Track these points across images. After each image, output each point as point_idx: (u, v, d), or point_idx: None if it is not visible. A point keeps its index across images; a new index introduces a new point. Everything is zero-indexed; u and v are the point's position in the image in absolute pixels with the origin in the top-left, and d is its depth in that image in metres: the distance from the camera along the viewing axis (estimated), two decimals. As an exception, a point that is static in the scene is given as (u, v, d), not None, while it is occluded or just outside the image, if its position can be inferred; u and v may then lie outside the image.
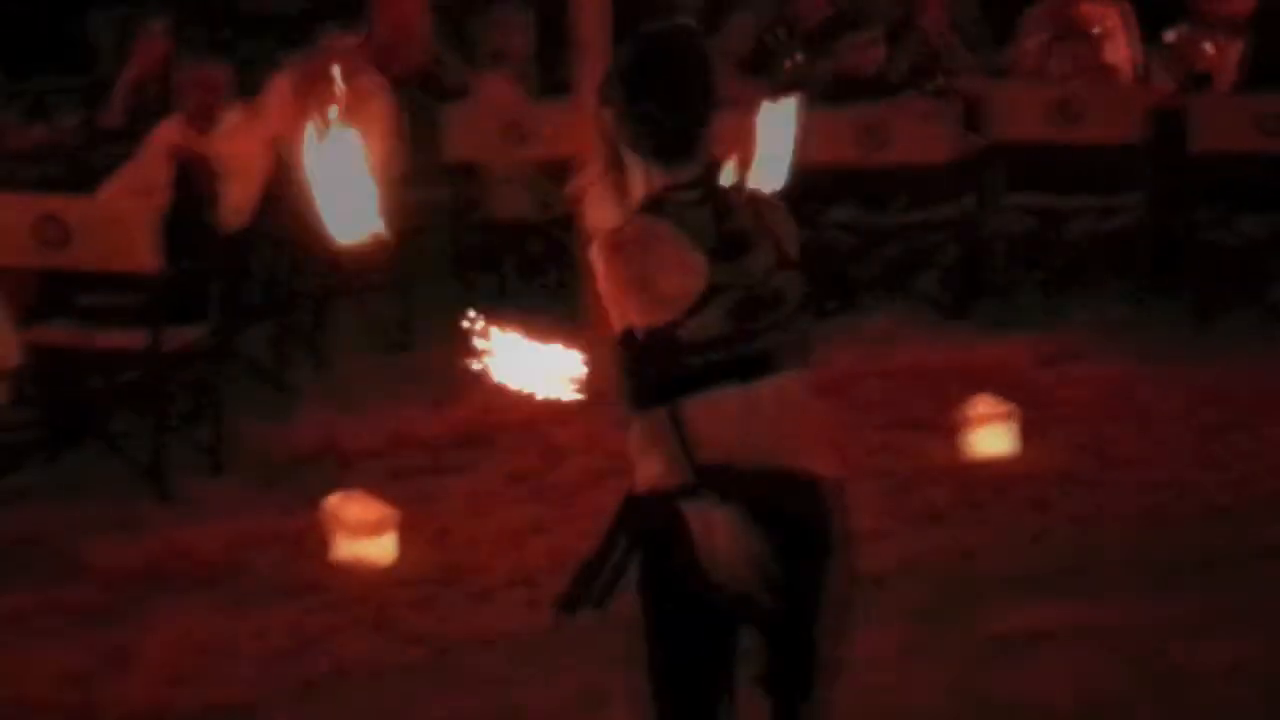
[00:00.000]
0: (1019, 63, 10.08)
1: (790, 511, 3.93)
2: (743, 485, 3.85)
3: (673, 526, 3.87)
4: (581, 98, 8.12)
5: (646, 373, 3.90)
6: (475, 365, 4.21)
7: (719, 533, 3.79)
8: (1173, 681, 5.70)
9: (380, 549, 6.68)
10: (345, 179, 4.27)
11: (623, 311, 3.86)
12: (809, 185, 8.18)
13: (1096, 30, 10.02)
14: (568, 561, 6.53)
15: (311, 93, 9.06)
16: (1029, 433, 7.59)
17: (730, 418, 3.86)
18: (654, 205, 3.89)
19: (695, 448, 3.84)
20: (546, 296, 9.66)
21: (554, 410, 7.94)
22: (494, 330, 4.21)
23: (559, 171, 8.92)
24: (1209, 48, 9.98)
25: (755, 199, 4.08)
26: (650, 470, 4.01)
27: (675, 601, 4.02)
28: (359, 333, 9.08)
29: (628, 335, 3.90)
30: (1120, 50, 10.09)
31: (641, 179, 3.94)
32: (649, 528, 4.03)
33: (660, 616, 4.12)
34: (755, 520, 3.82)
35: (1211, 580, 6.41)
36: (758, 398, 3.87)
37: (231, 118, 8.32)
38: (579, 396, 4.29)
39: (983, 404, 7.63)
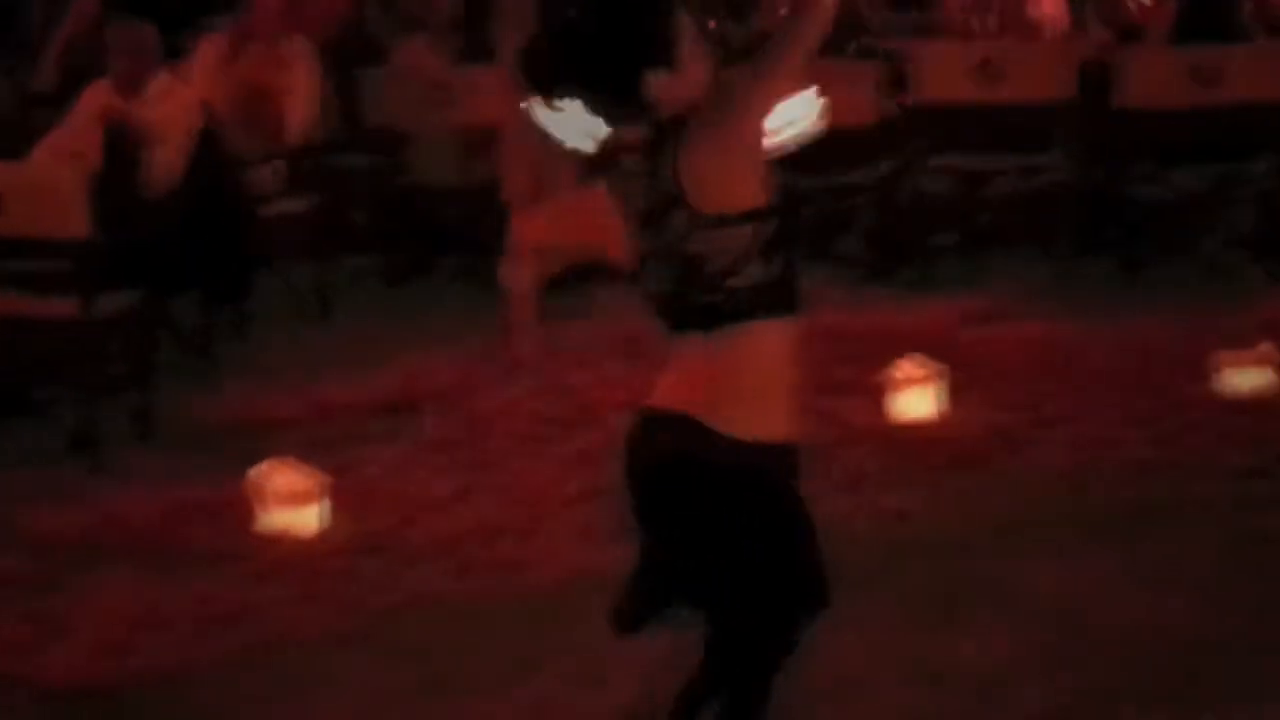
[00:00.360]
0: (944, 22, 10.08)
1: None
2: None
3: None
4: (503, 63, 8.12)
5: None
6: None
7: None
8: (1099, 639, 5.73)
9: (307, 518, 6.67)
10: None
11: None
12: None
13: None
14: (492, 528, 6.64)
15: (238, 57, 9.07)
16: (955, 393, 7.60)
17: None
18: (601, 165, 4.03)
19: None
20: (468, 266, 9.64)
21: (476, 378, 8.04)
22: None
23: (483, 138, 8.86)
24: (1133, 3, 10.03)
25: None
26: None
27: None
28: (281, 303, 9.05)
29: None
30: (1046, 5, 10.10)
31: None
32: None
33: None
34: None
35: (1139, 536, 6.45)
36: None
37: (160, 82, 8.28)
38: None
39: (908, 365, 7.63)
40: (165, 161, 8.04)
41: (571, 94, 4.04)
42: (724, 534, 4.08)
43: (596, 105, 4.05)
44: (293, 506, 6.66)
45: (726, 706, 4.23)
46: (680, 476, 4.07)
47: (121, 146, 7.99)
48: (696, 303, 3.98)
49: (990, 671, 5.51)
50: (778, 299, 4.04)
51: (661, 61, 4.04)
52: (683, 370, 4.04)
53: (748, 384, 4.02)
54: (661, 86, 4.10)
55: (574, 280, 8.58)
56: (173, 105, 8.22)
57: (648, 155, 4.01)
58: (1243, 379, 7.76)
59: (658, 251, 4.00)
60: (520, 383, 8.02)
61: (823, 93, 8.91)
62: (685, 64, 4.13)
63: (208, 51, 9.18)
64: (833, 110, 9.33)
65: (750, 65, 4.06)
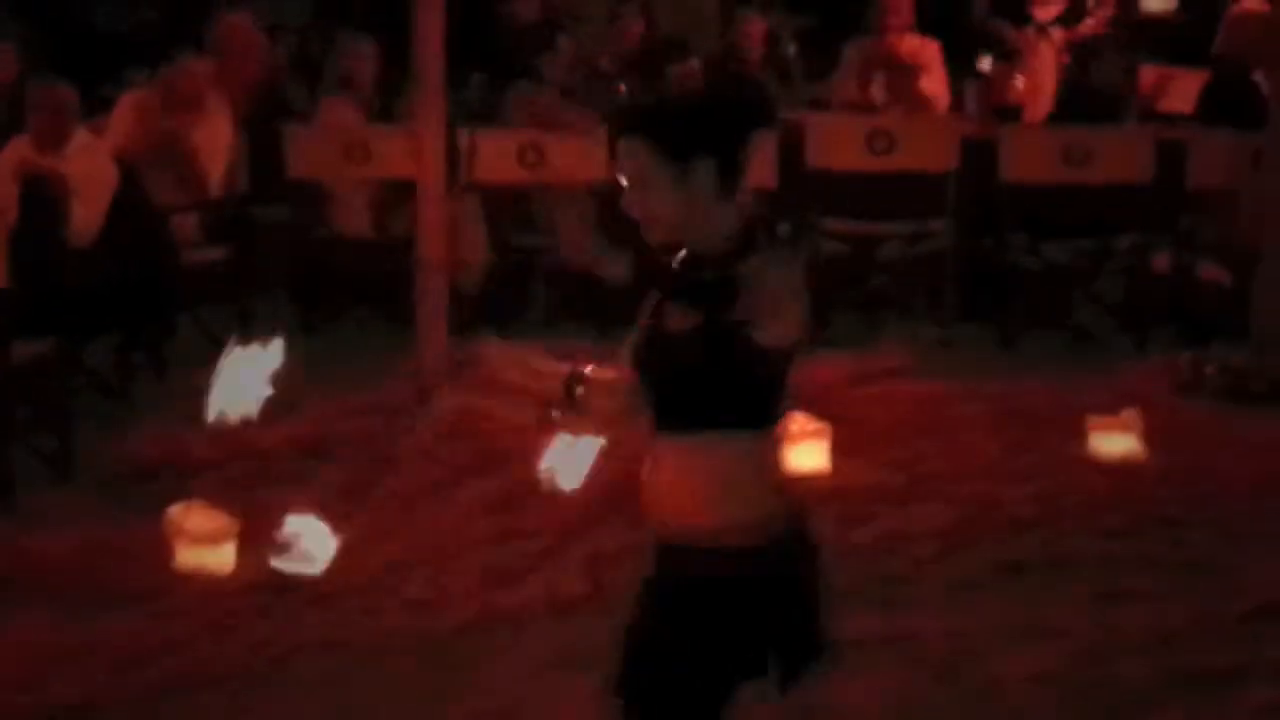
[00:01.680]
0: (837, 94, 10.19)
1: None
2: None
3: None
4: (419, 123, 8.18)
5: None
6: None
7: None
8: (978, 691, 5.78)
9: (220, 558, 6.66)
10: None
11: None
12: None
13: (913, 63, 10.15)
14: (402, 567, 6.65)
15: (158, 113, 9.08)
16: (841, 449, 7.66)
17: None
18: None
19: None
20: (382, 315, 9.67)
21: (387, 423, 8.05)
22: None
23: (399, 192, 8.93)
24: (1020, 82, 10.19)
25: None
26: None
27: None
28: (199, 347, 9.03)
29: None
30: (937, 83, 10.24)
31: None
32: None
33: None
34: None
35: (1018, 591, 6.53)
36: None
37: (79, 138, 8.27)
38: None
39: (796, 421, 7.64)
40: (84, 214, 8.02)
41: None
42: None
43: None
44: (205, 546, 6.64)
45: None
46: None
47: (40, 200, 7.94)
48: None
49: (878, 713, 5.56)
50: None
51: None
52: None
53: None
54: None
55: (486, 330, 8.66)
56: (91, 161, 8.21)
57: None
58: (1110, 443, 7.86)
59: None
60: (429, 428, 8.04)
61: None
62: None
63: (127, 105, 9.18)
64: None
65: None
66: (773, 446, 3.74)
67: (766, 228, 3.73)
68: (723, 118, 3.74)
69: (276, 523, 6.82)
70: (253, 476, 7.57)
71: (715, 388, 3.67)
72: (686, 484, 3.72)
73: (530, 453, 7.49)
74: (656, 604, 3.77)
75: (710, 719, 3.73)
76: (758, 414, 3.68)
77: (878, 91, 10.03)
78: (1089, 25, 10.39)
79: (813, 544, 3.84)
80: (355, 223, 9.66)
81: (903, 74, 10.09)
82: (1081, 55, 10.00)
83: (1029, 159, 9.28)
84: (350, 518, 7.10)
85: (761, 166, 9.31)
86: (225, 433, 7.80)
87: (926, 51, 10.22)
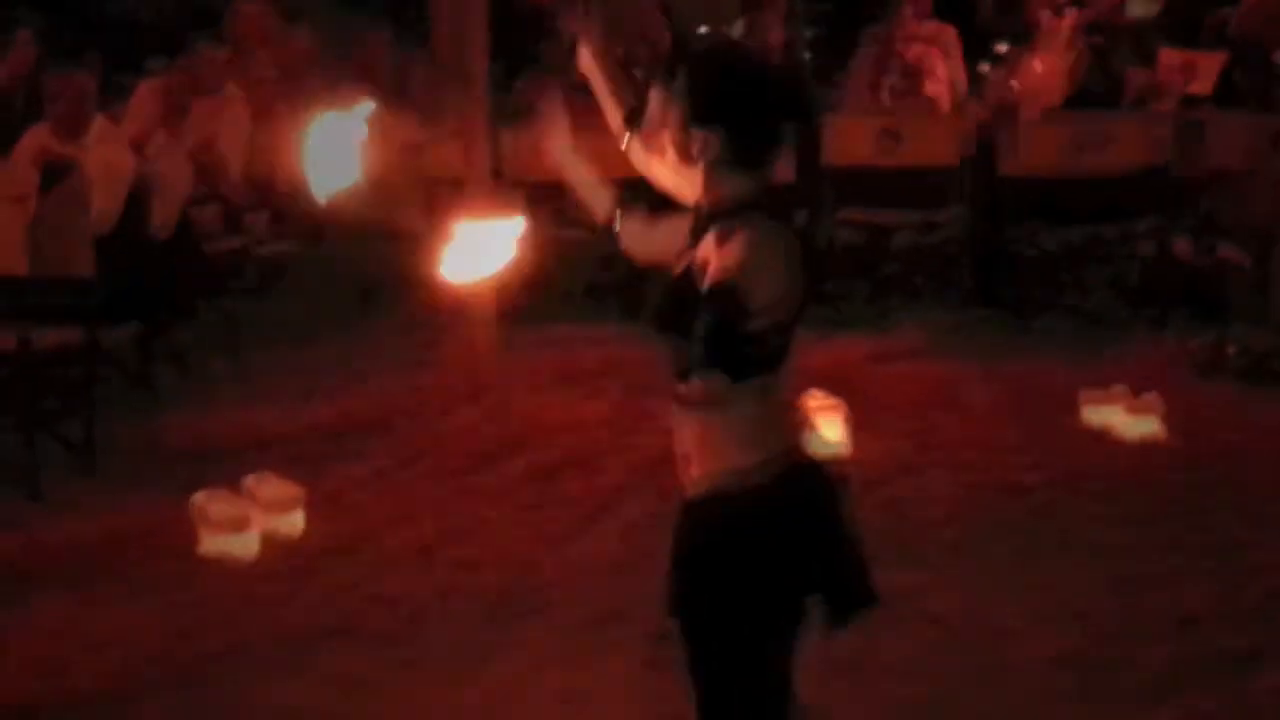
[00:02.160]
0: (850, 95, 10.24)
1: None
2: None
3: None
4: (465, 124, 8.29)
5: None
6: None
7: None
8: (983, 650, 5.83)
9: (289, 524, 6.78)
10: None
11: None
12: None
13: (919, 65, 10.19)
14: (453, 531, 6.70)
15: (176, 101, 9.07)
16: (859, 424, 7.67)
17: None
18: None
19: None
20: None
21: (439, 402, 8.13)
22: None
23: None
24: (1037, 64, 10.18)
25: None
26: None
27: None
28: (219, 335, 9.06)
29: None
30: (940, 83, 10.26)
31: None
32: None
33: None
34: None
35: (1024, 557, 6.57)
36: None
37: (98, 125, 8.26)
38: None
39: (816, 398, 7.68)
40: (103, 203, 7.99)
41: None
42: None
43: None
44: (228, 533, 6.66)
45: None
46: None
47: (60, 188, 7.94)
48: None
49: (895, 662, 5.63)
50: None
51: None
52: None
53: None
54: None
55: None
56: (111, 148, 8.19)
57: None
58: (1127, 426, 7.87)
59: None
60: (475, 406, 8.16)
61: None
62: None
63: (146, 96, 9.16)
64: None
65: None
66: (753, 396, 3.70)
67: (781, 207, 3.84)
68: (737, 94, 3.82)
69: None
70: (276, 461, 7.46)
71: (682, 325, 3.66)
72: (683, 441, 3.82)
73: (568, 429, 7.71)
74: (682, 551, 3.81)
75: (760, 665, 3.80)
76: (726, 362, 3.58)
77: (886, 94, 10.07)
78: (1105, 4, 10.38)
79: (828, 481, 3.86)
80: (404, 215, 9.60)
81: (907, 76, 10.13)
82: (1101, 43, 9.99)
83: (1026, 153, 9.29)
84: (409, 485, 7.23)
85: (782, 163, 9.33)
86: (246, 420, 7.96)
87: (944, 36, 10.27)
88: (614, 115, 4.26)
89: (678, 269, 3.81)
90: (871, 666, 5.60)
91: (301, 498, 6.84)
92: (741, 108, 3.81)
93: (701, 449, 3.78)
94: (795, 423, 3.94)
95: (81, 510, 7.12)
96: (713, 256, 3.67)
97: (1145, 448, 7.75)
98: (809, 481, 3.82)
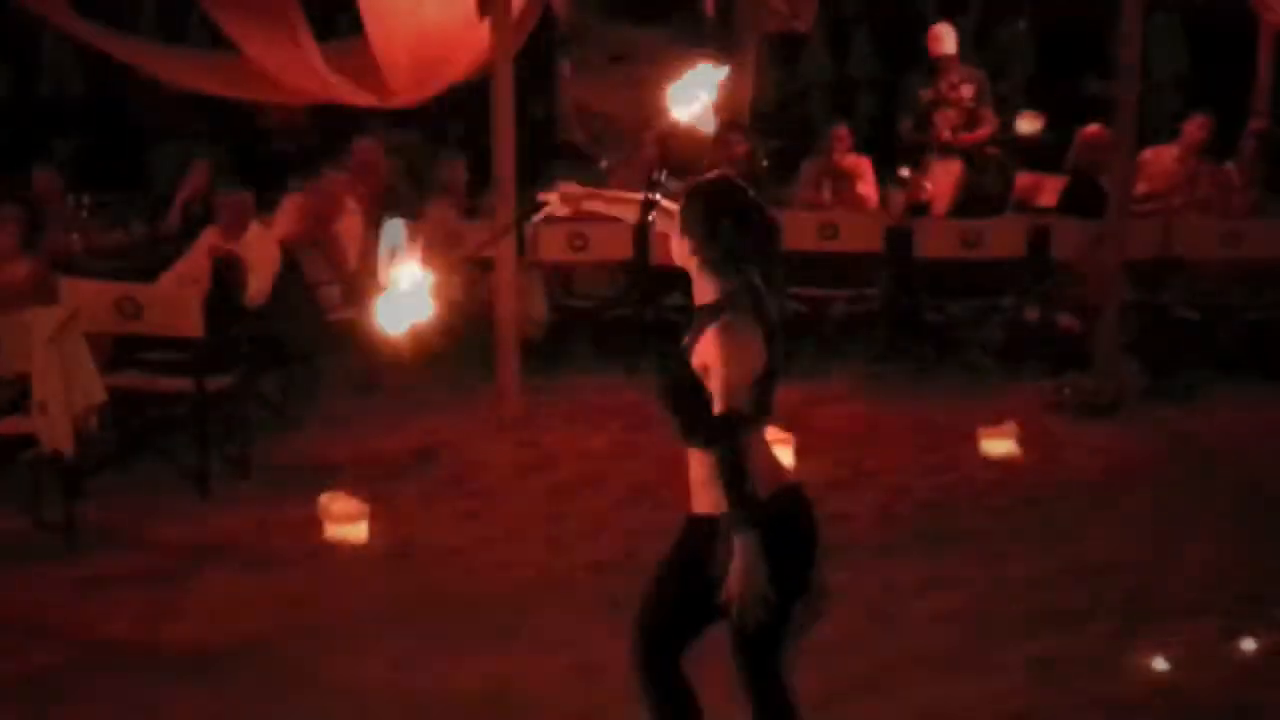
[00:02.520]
0: (798, 196, 10.23)
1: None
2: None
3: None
4: (499, 218, 8.22)
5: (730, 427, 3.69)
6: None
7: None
8: (903, 625, 5.83)
9: (356, 532, 6.70)
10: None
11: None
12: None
13: (852, 172, 10.18)
14: (486, 539, 6.66)
15: (312, 212, 9.12)
16: (802, 452, 7.60)
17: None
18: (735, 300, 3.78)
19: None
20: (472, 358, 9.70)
21: (476, 434, 8.05)
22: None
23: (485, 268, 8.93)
24: (929, 186, 10.19)
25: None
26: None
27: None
28: (339, 379, 9.06)
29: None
30: (869, 187, 10.25)
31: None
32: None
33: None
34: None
35: (930, 553, 6.54)
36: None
37: (254, 229, 8.27)
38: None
39: (769, 432, 7.63)
40: (256, 285, 8.04)
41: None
42: None
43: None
44: (346, 524, 6.69)
45: None
46: None
47: (226, 274, 7.99)
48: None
49: (828, 644, 5.52)
50: None
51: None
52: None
53: None
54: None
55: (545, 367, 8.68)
56: (262, 247, 8.20)
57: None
58: (994, 446, 7.87)
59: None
60: (505, 437, 8.09)
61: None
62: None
63: (290, 207, 9.21)
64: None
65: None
66: (754, 444, 3.82)
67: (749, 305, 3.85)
68: (702, 209, 3.88)
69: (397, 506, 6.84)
70: (378, 473, 7.57)
71: (677, 400, 3.79)
72: (697, 475, 3.90)
73: (579, 456, 7.63)
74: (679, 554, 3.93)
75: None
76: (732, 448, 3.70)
77: (826, 194, 10.05)
78: (979, 134, 10.40)
79: (797, 513, 3.96)
80: (451, 289, 9.62)
81: (844, 182, 10.13)
82: (975, 167, 10.01)
83: (936, 242, 9.28)
84: (451, 501, 7.19)
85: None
86: (358, 441, 7.98)
87: (861, 165, 10.23)
88: (630, 215, 4.25)
89: (681, 363, 3.83)
90: (812, 645, 5.50)
91: (366, 512, 6.77)
92: (729, 232, 3.86)
93: (692, 488, 3.87)
94: (779, 454, 3.97)
95: (239, 505, 7.14)
96: (709, 359, 3.73)
97: (1006, 463, 7.75)
98: (801, 496, 3.96)
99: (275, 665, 5.50)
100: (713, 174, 4.05)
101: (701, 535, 3.86)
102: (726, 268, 3.88)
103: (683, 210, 3.94)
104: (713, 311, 3.84)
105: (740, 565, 3.65)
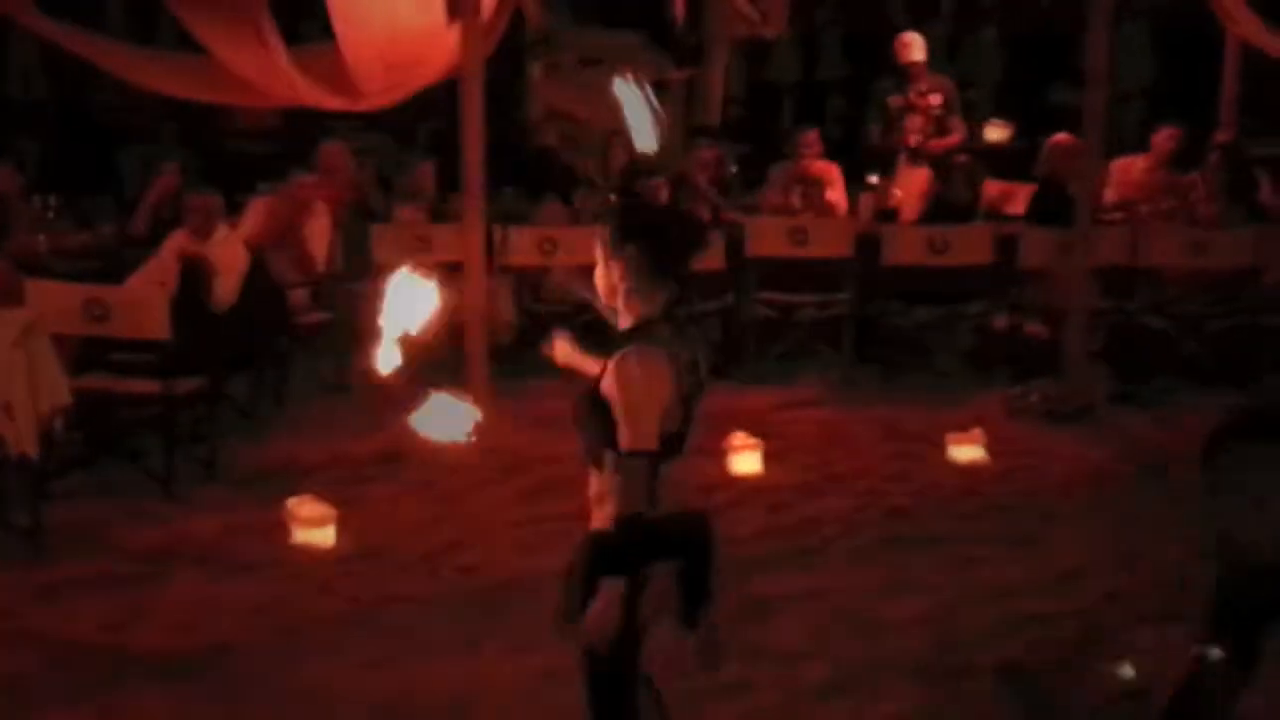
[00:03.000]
0: (767, 201, 10.25)
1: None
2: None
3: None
4: (467, 222, 8.21)
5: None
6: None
7: None
8: (870, 630, 5.84)
9: (324, 536, 6.68)
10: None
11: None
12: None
13: (822, 178, 10.22)
14: (456, 542, 6.65)
15: (277, 214, 9.11)
16: (770, 457, 7.68)
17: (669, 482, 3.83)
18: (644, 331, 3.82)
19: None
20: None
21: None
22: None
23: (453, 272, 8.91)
24: (897, 193, 10.23)
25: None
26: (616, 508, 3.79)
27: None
28: (308, 381, 9.04)
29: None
30: (838, 193, 10.28)
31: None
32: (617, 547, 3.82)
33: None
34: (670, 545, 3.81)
35: (898, 558, 6.57)
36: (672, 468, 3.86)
37: (222, 231, 8.25)
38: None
39: (738, 437, 7.72)
40: (225, 286, 8.01)
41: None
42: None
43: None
44: (313, 528, 6.66)
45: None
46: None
47: (194, 276, 7.96)
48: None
49: (797, 651, 5.63)
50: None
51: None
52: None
53: None
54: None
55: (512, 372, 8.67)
56: (230, 249, 8.17)
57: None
58: (962, 452, 7.90)
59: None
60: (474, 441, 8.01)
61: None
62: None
63: (257, 209, 9.20)
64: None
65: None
66: (629, 471, 3.76)
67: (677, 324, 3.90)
68: (614, 233, 3.88)
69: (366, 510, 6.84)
70: (347, 476, 7.57)
71: (583, 420, 3.87)
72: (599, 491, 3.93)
73: (546, 461, 7.61)
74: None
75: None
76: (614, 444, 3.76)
77: (795, 200, 10.07)
78: (948, 142, 10.43)
79: (692, 527, 3.93)
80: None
81: (813, 187, 10.15)
82: (943, 175, 10.04)
83: (903, 248, 9.29)
84: (420, 505, 7.17)
85: (715, 255, 9.36)
86: (327, 444, 7.95)
87: (831, 171, 10.26)
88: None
89: (591, 385, 3.87)
90: (779, 650, 5.62)
91: (334, 515, 6.73)
92: (644, 247, 3.84)
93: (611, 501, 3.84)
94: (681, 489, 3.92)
95: (206, 509, 7.11)
96: (610, 392, 3.78)
97: (974, 468, 7.79)
98: (687, 523, 3.89)
99: (243, 669, 5.48)
100: (635, 191, 4.12)
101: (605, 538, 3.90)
102: (642, 292, 3.86)
103: (600, 236, 3.94)
104: (625, 339, 3.84)
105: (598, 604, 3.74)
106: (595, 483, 3.97)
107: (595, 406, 3.84)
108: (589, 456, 3.94)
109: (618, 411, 3.77)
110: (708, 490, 7.35)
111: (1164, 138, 10.04)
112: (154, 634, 5.78)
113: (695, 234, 4.07)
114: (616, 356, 3.80)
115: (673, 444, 3.85)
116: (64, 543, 6.62)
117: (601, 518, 3.93)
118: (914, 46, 10.44)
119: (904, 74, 10.45)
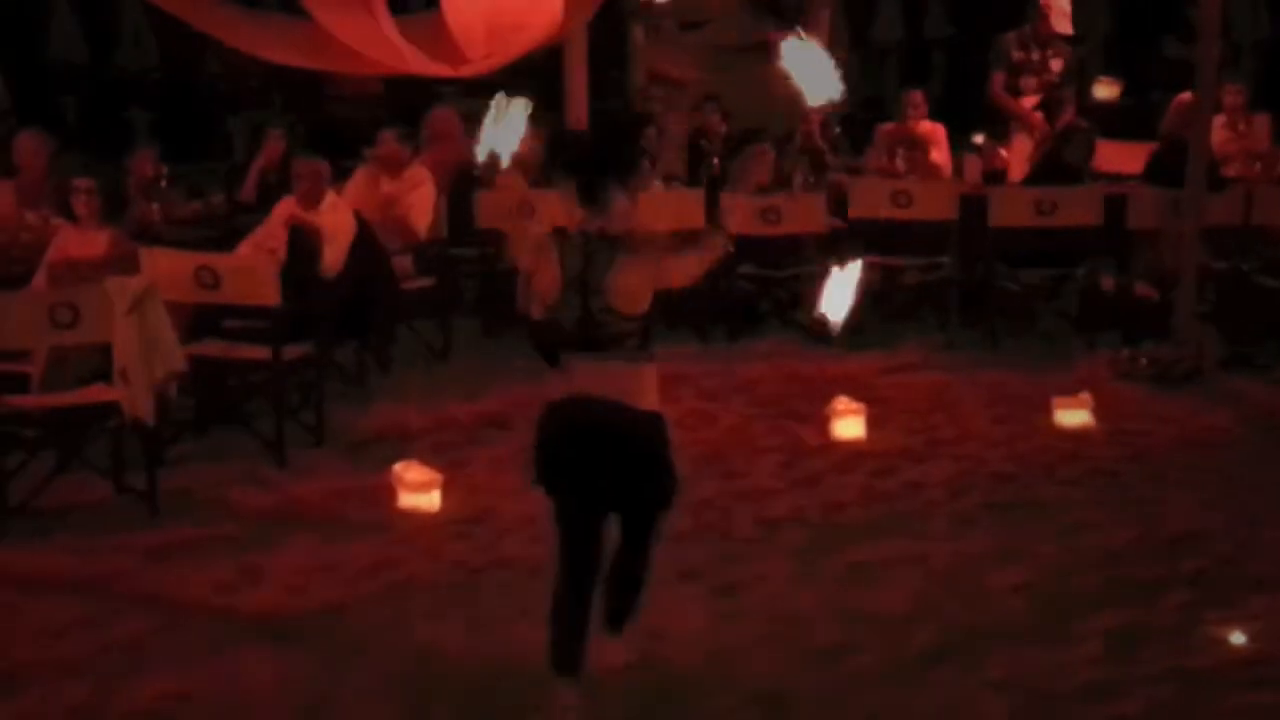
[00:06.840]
0: (871, 163, 10.18)
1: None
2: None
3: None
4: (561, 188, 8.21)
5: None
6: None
7: None
8: (975, 597, 5.81)
9: (429, 501, 6.74)
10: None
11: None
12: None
13: (926, 139, 10.13)
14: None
15: (381, 181, 9.17)
16: (874, 422, 7.66)
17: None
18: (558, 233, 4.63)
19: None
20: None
21: (537, 402, 8.05)
22: None
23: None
24: (1004, 153, 10.11)
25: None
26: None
27: None
28: (412, 349, 9.11)
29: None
30: (943, 154, 10.20)
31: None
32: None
33: None
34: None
35: (1003, 524, 6.52)
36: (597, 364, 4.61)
37: (330, 198, 8.32)
38: None
39: (842, 402, 7.70)
40: (331, 255, 8.07)
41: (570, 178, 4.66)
42: (647, 459, 4.74)
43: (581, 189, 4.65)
44: (419, 492, 6.73)
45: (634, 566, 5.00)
46: (613, 433, 4.69)
47: (302, 243, 8.04)
48: (606, 341, 4.63)
49: (900, 616, 5.61)
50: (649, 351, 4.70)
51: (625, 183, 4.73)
52: (609, 374, 4.64)
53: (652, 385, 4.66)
54: (619, 203, 4.67)
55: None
56: (338, 216, 8.23)
57: (587, 243, 4.64)
58: (1069, 417, 7.82)
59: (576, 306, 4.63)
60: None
61: (790, 210, 8.98)
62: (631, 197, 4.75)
63: (361, 177, 9.28)
64: (795, 223, 9.44)
65: (677, 245, 4.63)
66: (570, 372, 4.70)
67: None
68: (571, 153, 4.71)
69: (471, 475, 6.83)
70: (452, 441, 7.63)
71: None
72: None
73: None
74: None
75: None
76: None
77: (900, 162, 9.99)
78: (1066, 118, 10.25)
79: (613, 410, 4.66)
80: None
81: (918, 149, 10.07)
82: (1060, 138, 9.87)
83: (1010, 210, 9.19)
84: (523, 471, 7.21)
85: (818, 215, 9.32)
86: (432, 409, 8.02)
87: (936, 132, 10.19)
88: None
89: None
90: (884, 615, 5.62)
91: (439, 480, 6.78)
92: (573, 164, 4.80)
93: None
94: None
95: (315, 474, 7.21)
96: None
97: (1081, 433, 7.70)
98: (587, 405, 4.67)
99: (353, 630, 5.57)
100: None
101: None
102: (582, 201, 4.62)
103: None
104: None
105: None
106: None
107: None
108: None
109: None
110: (808, 455, 7.38)
111: (1229, 94, 9.84)
112: (265, 597, 5.88)
113: (616, 155, 4.88)
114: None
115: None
116: (177, 507, 6.74)
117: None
118: (1063, 19, 10.31)
119: (1035, 30, 10.24)
